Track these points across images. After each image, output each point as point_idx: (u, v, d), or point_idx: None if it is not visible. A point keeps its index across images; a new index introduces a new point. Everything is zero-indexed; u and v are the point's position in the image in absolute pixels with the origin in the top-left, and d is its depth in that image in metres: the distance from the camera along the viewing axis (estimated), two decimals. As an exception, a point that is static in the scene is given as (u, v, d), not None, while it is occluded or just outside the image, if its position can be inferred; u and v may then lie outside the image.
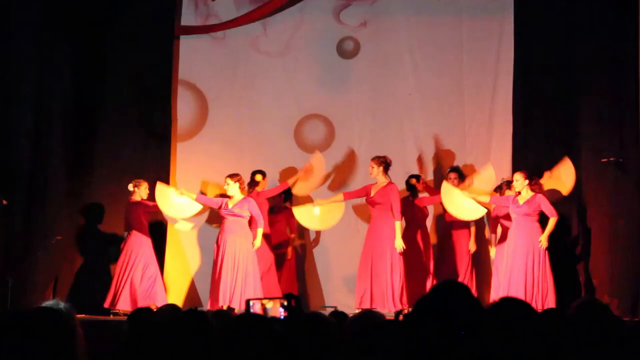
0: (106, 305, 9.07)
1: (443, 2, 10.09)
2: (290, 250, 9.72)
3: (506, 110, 9.76)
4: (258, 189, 9.47)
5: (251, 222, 8.98)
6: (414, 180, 9.44)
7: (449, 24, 10.07)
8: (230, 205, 8.94)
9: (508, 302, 2.67)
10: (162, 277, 9.47)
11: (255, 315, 3.29)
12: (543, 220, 8.60)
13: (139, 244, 9.16)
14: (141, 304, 8.83)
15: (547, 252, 8.52)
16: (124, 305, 8.99)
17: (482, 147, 9.97)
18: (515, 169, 9.43)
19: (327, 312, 5.21)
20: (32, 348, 2.36)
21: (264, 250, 9.20)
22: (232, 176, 9.02)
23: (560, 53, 9.57)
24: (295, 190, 9.58)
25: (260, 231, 8.90)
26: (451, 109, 10.03)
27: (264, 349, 2.97)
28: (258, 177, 9.50)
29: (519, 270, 8.47)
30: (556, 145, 9.52)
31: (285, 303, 3.23)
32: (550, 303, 8.33)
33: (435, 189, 9.51)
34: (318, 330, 3.01)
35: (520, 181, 8.56)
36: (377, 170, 8.96)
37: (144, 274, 9.10)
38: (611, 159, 8.92)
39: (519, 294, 8.27)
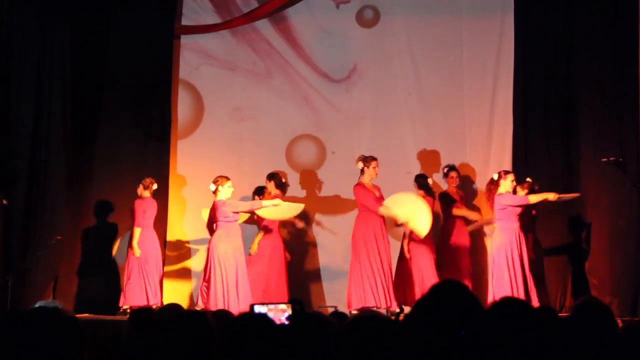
0: (121, 304, 9.08)
1: (443, 2, 10.10)
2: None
3: (506, 110, 9.76)
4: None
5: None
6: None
7: (449, 24, 10.06)
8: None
9: (508, 302, 2.67)
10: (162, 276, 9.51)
11: (255, 315, 3.29)
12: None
13: (152, 241, 9.17)
14: (152, 301, 8.89)
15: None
16: (138, 301, 8.98)
17: (482, 147, 9.97)
18: (515, 169, 9.44)
19: (327, 311, 5.21)
20: (35, 348, 2.36)
21: (278, 253, 9.24)
22: (227, 178, 8.89)
23: (560, 53, 9.58)
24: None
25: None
26: (451, 108, 10.03)
27: (264, 349, 2.97)
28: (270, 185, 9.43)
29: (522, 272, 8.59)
30: (556, 145, 9.53)
31: (290, 309, 3.21)
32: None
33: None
34: (318, 330, 3.01)
35: (513, 182, 8.66)
36: (376, 171, 8.98)
37: (156, 271, 9.14)
38: (611, 159, 8.91)
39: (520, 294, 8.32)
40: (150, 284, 9.04)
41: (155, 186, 9.24)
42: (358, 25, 10.17)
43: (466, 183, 9.91)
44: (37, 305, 2.93)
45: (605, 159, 8.92)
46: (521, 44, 9.70)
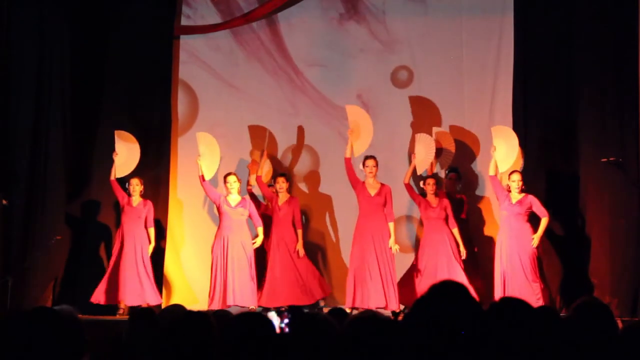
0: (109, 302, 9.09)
1: (443, 2, 10.09)
2: (300, 248, 9.45)
3: (506, 110, 9.75)
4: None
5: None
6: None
7: (449, 24, 10.06)
8: (233, 204, 8.98)
9: (508, 302, 2.68)
10: (163, 275, 9.54)
11: (255, 314, 3.28)
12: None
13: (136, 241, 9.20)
14: (142, 299, 8.91)
15: (536, 252, 8.69)
16: (130, 300, 9.00)
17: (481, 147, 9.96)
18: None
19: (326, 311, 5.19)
20: (35, 348, 2.36)
21: (289, 253, 9.28)
22: (234, 174, 9.12)
23: (560, 53, 9.57)
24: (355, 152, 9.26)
25: (261, 229, 9.03)
26: (451, 108, 10.02)
27: (264, 349, 2.97)
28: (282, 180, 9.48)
29: (513, 271, 8.59)
30: (556, 145, 9.53)
31: (288, 317, 3.19)
32: (540, 302, 8.37)
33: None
34: (318, 331, 3.01)
35: (518, 182, 8.73)
36: (375, 171, 9.00)
37: (144, 268, 9.15)
38: (611, 159, 8.92)
39: (516, 295, 8.33)
40: (131, 283, 9.06)
41: (126, 184, 9.30)
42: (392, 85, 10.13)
43: (466, 183, 9.91)
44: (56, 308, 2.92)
45: (605, 159, 8.92)
46: (521, 44, 9.69)
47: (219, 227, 9.08)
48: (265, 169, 9.74)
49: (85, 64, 9.79)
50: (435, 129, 9.63)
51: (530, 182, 9.26)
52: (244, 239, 8.96)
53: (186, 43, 10.30)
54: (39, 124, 9.39)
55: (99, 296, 9.09)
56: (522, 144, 9.53)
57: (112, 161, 9.52)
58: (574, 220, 9.38)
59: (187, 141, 10.16)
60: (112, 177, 9.34)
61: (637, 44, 9.11)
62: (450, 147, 9.68)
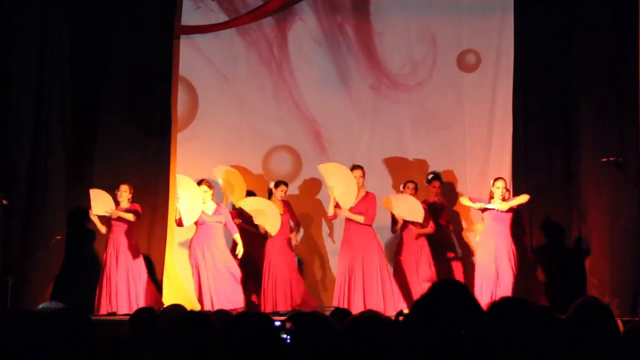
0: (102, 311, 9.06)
1: (443, 2, 10.09)
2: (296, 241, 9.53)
3: (506, 110, 9.76)
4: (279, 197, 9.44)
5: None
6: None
7: (449, 24, 10.06)
8: (210, 212, 8.95)
9: (508, 302, 2.68)
10: (162, 279, 9.54)
11: (256, 314, 3.29)
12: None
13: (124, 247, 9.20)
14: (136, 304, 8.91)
15: (515, 250, 8.76)
16: (121, 308, 9.00)
17: (481, 147, 9.96)
18: (515, 169, 9.47)
19: (327, 311, 5.19)
20: (41, 347, 2.36)
21: (288, 254, 9.26)
22: (207, 181, 9.08)
23: (560, 53, 9.57)
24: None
25: (238, 236, 9.01)
26: (451, 109, 10.02)
27: (265, 349, 2.97)
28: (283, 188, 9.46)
29: (503, 269, 8.61)
30: (556, 145, 9.53)
31: (291, 326, 3.18)
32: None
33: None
34: (318, 330, 3.00)
35: (502, 189, 8.77)
36: (362, 181, 8.96)
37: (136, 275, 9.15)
38: (611, 159, 8.92)
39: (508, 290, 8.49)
40: (118, 290, 9.04)
41: (115, 191, 9.28)
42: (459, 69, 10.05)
43: (464, 183, 9.93)
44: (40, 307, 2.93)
45: (605, 159, 8.92)
46: (521, 44, 9.69)
47: (194, 236, 9.00)
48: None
49: (85, 63, 9.78)
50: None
51: (530, 182, 9.28)
52: (220, 244, 8.92)
53: (186, 39, 10.29)
54: (39, 124, 9.38)
55: (103, 306, 9.04)
56: (523, 144, 9.54)
57: (110, 165, 9.56)
58: (573, 220, 9.38)
59: (187, 139, 10.17)
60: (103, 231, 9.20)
61: (637, 44, 9.12)
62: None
